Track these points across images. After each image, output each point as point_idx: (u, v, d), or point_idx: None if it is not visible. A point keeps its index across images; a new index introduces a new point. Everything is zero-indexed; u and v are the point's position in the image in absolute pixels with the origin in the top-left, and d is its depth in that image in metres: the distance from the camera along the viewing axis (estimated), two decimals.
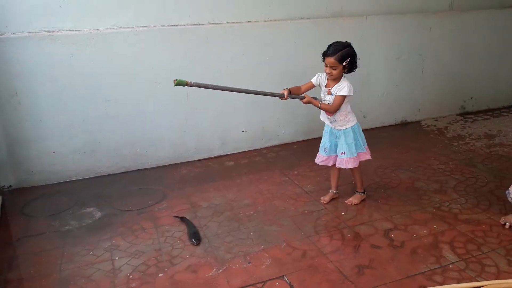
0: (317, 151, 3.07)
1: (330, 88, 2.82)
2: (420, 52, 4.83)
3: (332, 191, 3.15)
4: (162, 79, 3.72)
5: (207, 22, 3.83)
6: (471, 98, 5.33)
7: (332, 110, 2.81)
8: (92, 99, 3.58)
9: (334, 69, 2.73)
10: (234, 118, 4.13)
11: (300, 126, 4.41)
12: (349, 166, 2.91)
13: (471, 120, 5.03)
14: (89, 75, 3.51)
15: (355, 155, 2.91)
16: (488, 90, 5.38)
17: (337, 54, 2.69)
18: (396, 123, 4.96)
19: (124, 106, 3.69)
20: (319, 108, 2.84)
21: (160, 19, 3.67)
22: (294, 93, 2.87)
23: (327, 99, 2.83)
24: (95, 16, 3.47)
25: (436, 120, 5.05)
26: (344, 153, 2.89)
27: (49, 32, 3.36)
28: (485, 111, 5.35)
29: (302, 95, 2.86)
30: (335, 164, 3.01)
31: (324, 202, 3.11)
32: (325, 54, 2.74)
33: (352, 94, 2.78)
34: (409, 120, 5.02)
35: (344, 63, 2.71)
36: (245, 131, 4.21)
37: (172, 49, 3.73)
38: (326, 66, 2.75)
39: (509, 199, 2.65)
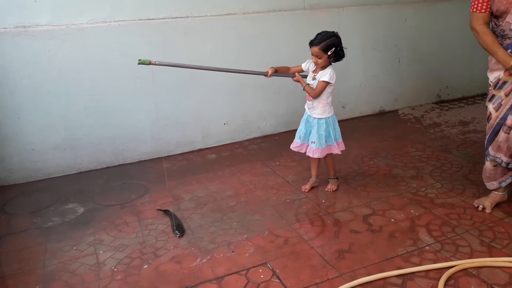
0: None
1: (315, 74, 2.90)
2: (396, 43, 4.93)
3: (313, 179, 3.22)
4: (141, 73, 3.70)
5: (185, 15, 3.84)
6: (447, 86, 5.46)
7: (313, 94, 2.88)
8: (71, 95, 3.55)
9: (319, 58, 2.80)
10: (215, 111, 4.15)
11: (281, 117, 4.47)
12: (316, 156, 2.98)
13: (447, 108, 5.17)
14: (67, 70, 3.48)
15: (324, 146, 2.98)
16: (462, 79, 5.52)
17: (322, 44, 2.76)
18: (374, 113, 5.06)
19: (104, 101, 3.67)
20: (303, 89, 2.92)
21: (137, 13, 3.66)
22: (281, 72, 2.99)
23: (311, 83, 2.92)
24: (71, 11, 3.44)
25: (413, 109, 5.16)
26: (314, 142, 2.97)
27: (25, 27, 3.32)
28: (460, 99, 5.50)
29: (294, 74, 2.99)
30: None
31: (305, 190, 3.17)
32: (311, 43, 2.81)
33: (333, 82, 2.85)
34: (386, 109, 5.13)
35: (329, 53, 2.78)
36: (227, 124, 4.24)
37: (151, 43, 3.72)
38: (312, 54, 2.82)
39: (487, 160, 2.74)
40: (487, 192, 2.86)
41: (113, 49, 3.60)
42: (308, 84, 2.92)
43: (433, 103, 5.37)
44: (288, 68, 3.04)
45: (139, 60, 2.69)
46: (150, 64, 2.69)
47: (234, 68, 3.03)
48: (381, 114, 5.07)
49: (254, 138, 4.39)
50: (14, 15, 3.28)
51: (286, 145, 3.97)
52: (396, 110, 5.14)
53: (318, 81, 2.86)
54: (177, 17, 3.81)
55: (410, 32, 4.96)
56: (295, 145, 3.11)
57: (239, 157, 3.93)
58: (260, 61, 4.14)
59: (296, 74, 2.98)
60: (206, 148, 4.18)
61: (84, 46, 3.49)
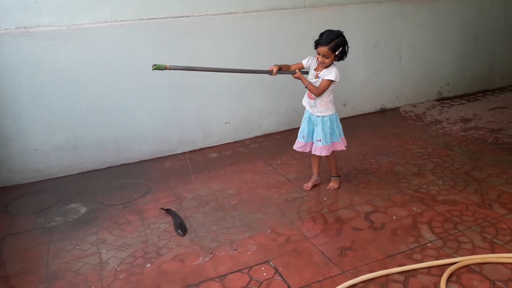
0: None
1: (318, 72, 2.88)
2: (397, 40, 4.92)
3: (314, 177, 3.22)
4: (143, 73, 3.72)
5: (186, 14, 3.84)
6: (448, 83, 5.46)
7: (316, 92, 2.87)
8: (73, 95, 3.56)
9: (327, 58, 2.78)
10: (216, 110, 4.15)
11: (282, 116, 4.47)
12: (323, 154, 2.98)
13: (448, 105, 5.16)
14: (69, 71, 3.49)
15: (330, 143, 2.98)
16: (464, 76, 5.51)
17: (331, 44, 2.74)
18: (376, 111, 5.06)
19: (106, 101, 3.68)
20: (305, 87, 2.90)
21: (138, 13, 3.66)
22: (283, 70, 2.96)
23: (313, 81, 2.90)
24: (72, 11, 3.44)
25: (415, 106, 5.16)
26: (320, 141, 2.96)
27: (26, 28, 3.32)
28: (461, 96, 5.50)
29: (294, 71, 2.93)
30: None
31: (307, 189, 3.17)
32: (318, 43, 2.78)
33: (338, 81, 2.84)
34: (388, 107, 5.12)
35: (337, 53, 2.76)
36: (228, 123, 4.25)
37: (152, 42, 3.73)
38: (318, 54, 2.80)
39: None
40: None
41: (114, 49, 3.60)
42: (310, 82, 2.91)
43: (435, 100, 5.37)
44: (288, 66, 3.00)
45: (154, 65, 2.56)
46: (165, 69, 2.59)
47: (239, 68, 3.03)
48: (383, 111, 5.07)
49: (256, 137, 4.39)
50: (15, 16, 3.29)
51: (288, 144, 3.99)
52: (398, 108, 5.14)
53: (323, 79, 2.85)
54: (178, 17, 3.81)
55: (411, 30, 4.96)
56: (298, 145, 3.10)
57: (240, 156, 3.94)
58: (261, 60, 4.13)
59: (297, 71, 2.94)
60: (208, 147, 4.19)
61: (85, 46, 3.50)
